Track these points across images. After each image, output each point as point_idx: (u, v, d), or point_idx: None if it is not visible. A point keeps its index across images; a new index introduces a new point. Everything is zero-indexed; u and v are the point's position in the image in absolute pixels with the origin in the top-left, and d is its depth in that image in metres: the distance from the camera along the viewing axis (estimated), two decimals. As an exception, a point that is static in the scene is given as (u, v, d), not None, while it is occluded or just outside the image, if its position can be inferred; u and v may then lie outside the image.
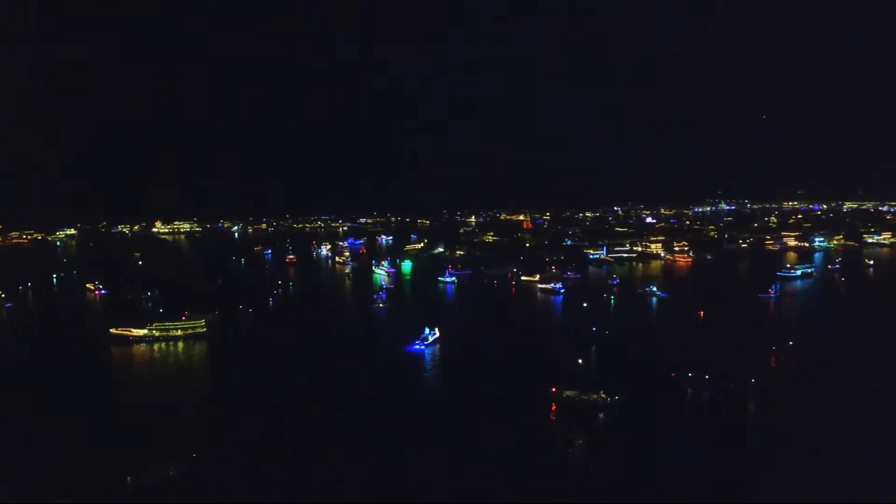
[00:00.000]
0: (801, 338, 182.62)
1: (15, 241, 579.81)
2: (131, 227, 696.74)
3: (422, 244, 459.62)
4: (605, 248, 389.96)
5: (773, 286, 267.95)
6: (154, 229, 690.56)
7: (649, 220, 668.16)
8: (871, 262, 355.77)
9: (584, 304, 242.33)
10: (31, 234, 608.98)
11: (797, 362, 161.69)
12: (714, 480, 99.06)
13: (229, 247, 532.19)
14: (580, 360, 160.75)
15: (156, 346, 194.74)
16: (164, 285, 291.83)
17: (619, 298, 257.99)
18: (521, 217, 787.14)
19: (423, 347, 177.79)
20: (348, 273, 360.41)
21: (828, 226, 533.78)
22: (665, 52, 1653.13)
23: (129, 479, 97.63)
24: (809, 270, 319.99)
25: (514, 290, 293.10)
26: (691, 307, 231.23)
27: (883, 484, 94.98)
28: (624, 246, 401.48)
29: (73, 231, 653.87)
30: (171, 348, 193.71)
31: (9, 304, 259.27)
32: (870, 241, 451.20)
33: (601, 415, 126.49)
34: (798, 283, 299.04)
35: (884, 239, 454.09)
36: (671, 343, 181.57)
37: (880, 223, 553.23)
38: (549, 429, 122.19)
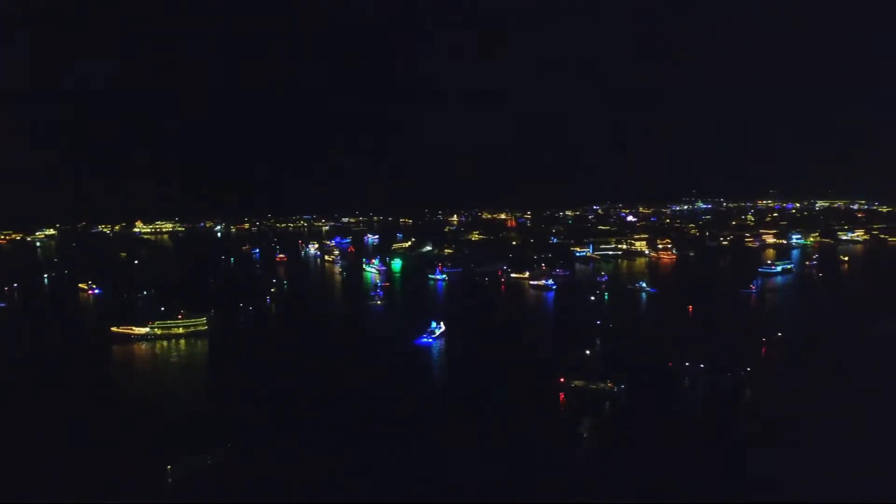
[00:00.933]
0: (790, 330, 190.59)
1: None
2: (112, 228, 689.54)
3: (408, 243, 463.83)
4: (591, 246, 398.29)
5: (755, 282, 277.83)
6: (136, 229, 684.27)
7: (630, 218, 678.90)
8: (846, 259, 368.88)
9: (592, 298, 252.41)
10: (9, 235, 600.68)
11: (787, 352, 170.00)
12: (715, 463, 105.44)
13: (217, 246, 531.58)
14: (587, 352, 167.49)
15: (157, 345, 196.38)
16: (158, 285, 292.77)
17: (611, 295, 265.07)
18: (503, 216, 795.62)
19: (431, 340, 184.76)
20: (340, 271, 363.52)
21: (803, 223, 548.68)
22: (646, 54, 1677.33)
23: (168, 467, 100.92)
24: (789, 266, 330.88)
25: (503, 287, 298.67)
26: (680, 302, 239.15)
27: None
28: (609, 244, 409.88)
29: (52, 231, 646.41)
30: (174, 346, 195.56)
31: (2, 305, 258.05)
32: (844, 238, 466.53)
33: (608, 403, 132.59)
34: (778, 278, 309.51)
35: (857, 236, 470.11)
36: (665, 335, 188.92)
37: (852, 221, 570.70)
38: (558, 416, 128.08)
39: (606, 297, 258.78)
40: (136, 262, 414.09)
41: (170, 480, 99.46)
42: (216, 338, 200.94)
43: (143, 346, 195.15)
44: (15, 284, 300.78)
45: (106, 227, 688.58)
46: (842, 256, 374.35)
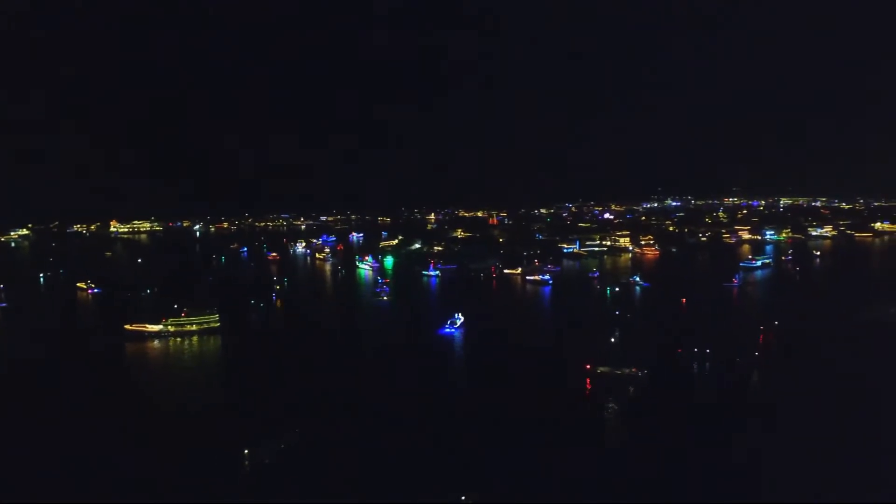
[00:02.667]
0: (784, 319, 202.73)
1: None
2: (88, 227, 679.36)
3: (395, 241, 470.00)
4: (577, 243, 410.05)
5: (737, 275, 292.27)
6: (112, 229, 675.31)
7: (607, 215, 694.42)
8: (818, 253, 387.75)
9: (615, 290, 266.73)
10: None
11: (784, 339, 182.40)
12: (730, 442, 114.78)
13: (202, 245, 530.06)
14: (612, 339, 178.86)
15: (171, 342, 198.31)
16: (159, 283, 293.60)
17: (611, 288, 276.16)
18: (480, 214, 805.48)
19: (454, 330, 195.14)
20: (335, 269, 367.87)
21: (771, 220, 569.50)
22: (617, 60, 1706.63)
23: (245, 451, 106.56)
24: (768, 261, 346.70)
25: (494, 283, 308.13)
26: (673, 295, 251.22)
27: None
28: (594, 240, 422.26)
29: (25, 231, 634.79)
30: (188, 343, 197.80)
31: (3, 305, 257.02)
32: (814, 233, 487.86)
33: (631, 388, 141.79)
34: (759, 272, 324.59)
35: (825, 232, 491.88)
36: (667, 325, 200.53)
37: (818, 218, 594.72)
38: (585, 400, 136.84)
39: (609, 291, 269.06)
40: (136, 261, 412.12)
41: (247, 465, 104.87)
42: (229, 335, 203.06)
43: (156, 343, 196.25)
44: (1, 286, 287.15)
45: (81, 227, 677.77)
46: (814, 251, 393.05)
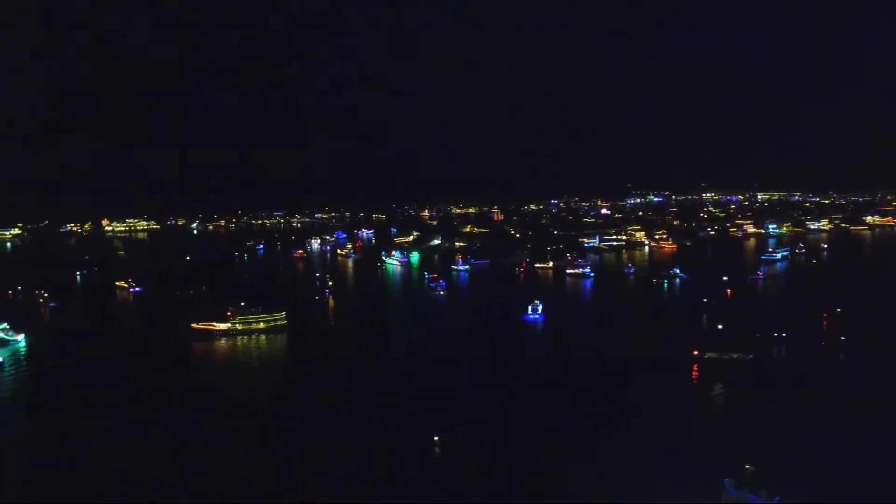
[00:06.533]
0: (844, 306, 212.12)
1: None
2: (81, 226, 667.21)
3: (410, 236, 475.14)
4: (597, 237, 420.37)
5: (761, 268, 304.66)
6: (108, 228, 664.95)
7: (605, 211, 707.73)
8: (825, 246, 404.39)
9: (654, 282, 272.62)
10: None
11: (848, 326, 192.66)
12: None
13: (214, 244, 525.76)
14: (720, 326, 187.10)
15: (239, 340, 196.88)
16: (202, 282, 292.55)
17: (643, 281, 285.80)
18: (473, 210, 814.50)
19: (537, 316, 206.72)
20: (367, 265, 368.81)
21: (767, 214, 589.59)
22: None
23: (435, 437, 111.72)
24: (786, 254, 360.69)
25: (521, 276, 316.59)
26: (715, 286, 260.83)
27: None
28: (611, 234, 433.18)
29: (17, 230, 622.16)
30: (261, 341, 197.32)
31: (53, 304, 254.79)
32: (812, 227, 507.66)
33: (740, 372, 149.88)
34: (779, 264, 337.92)
35: (823, 225, 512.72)
36: (730, 312, 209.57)
37: (808, 212, 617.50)
38: (693, 384, 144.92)
39: (665, 284, 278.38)
40: (186, 258, 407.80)
41: (437, 450, 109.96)
42: (295, 332, 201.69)
43: (224, 341, 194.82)
44: (20, 288, 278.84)
45: (75, 226, 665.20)
46: (822, 244, 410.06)
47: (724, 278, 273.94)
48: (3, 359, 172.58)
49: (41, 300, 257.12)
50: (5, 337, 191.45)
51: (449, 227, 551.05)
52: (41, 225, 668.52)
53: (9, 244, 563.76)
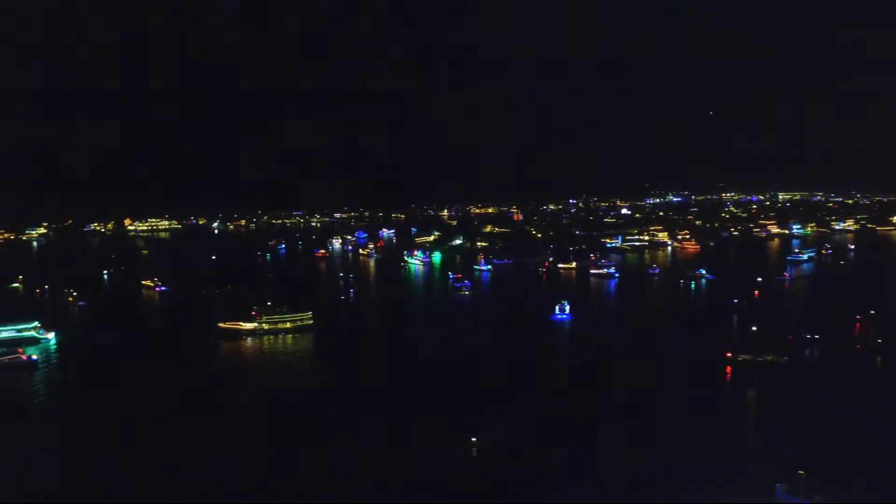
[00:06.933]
0: (877, 308, 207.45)
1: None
2: (104, 225, 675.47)
3: (431, 236, 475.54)
4: (620, 238, 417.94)
5: (788, 269, 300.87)
6: (131, 227, 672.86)
7: (625, 211, 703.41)
8: (852, 247, 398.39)
9: (680, 283, 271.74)
10: (1, 234, 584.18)
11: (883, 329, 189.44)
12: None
13: (236, 243, 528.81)
14: (754, 328, 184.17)
15: (266, 340, 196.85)
16: (229, 281, 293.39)
17: (669, 281, 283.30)
18: (492, 209, 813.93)
19: (565, 316, 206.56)
20: (390, 264, 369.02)
21: (790, 215, 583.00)
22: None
23: (473, 439, 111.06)
24: (812, 255, 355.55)
25: (544, 276, 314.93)
26: (742, 287, 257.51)
27: None
28: (633, 235, 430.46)
29: (42, 230, 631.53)
30: (289, 340, 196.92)
31: (81, 303, 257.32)
32: (837, 227, 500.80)
33: (774, 375, 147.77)
34: (806, 265, 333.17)
35: (848, 226, 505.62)
36: (760, 314, 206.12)
37: (832, 212, 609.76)
38: (727, 386, 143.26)
39: (693, 285, 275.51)
40: (213, 258, 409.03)
41: (474, 451, 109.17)
42: (322, 332, 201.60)
43: (250, 341, 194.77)
44: (46, 286, 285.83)
45: (99, 226, 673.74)
46: (849, 245, 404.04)
47: (759, 279, 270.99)
48: (37, 356, 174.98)
49: (70, 299, 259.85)
50: (36, 335, 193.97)
51: (469, 227, 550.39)
52: (66, 224, 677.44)
53: (35, 243, 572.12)
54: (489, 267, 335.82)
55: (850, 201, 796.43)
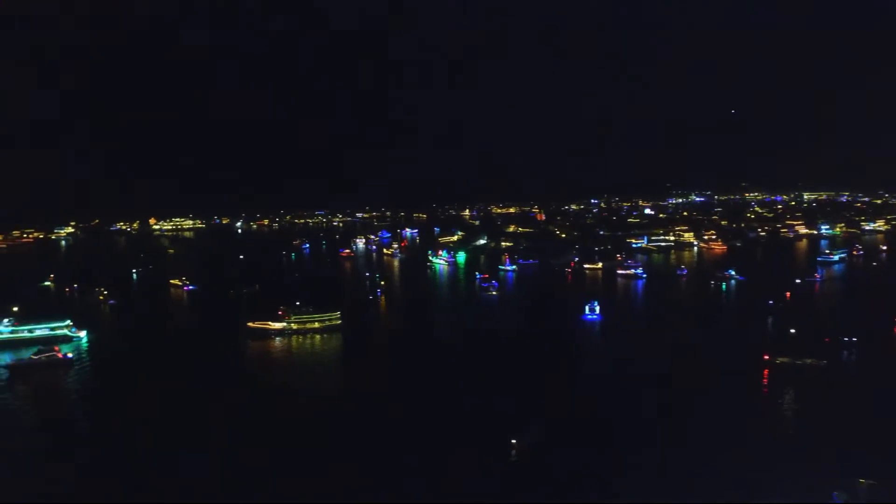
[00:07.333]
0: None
1: (21, 240, 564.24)
2: (130, 225, 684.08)
3: (455, 236, 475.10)
4: (645, 238, 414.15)
5: (818, 270, 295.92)
6: (156, 227, 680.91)
7: (648, 211, 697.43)
8: (885, 248, 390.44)
9: (711, 284, 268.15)
10: (31, 234, 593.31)
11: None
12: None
13: (261, 242, 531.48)
14: (792, 331, 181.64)
15: (294, 339, 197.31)
16: (257, 280, 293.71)
17: (698, 282, 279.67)
18: (514, 209, 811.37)
19: (596, 316, 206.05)
20: (415, 264, 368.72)
21: (818, 215, 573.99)
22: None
23: (512, 441, 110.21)
24: (844, 255, 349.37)
25: (569, 276, 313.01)
26: (773, 288, 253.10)
27: None
28: (659, 235, 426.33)
29: (70, 230, 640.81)
30: (317, 340, 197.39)
31: (112, 302, 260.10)
32: (867, 228, 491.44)
33: (815, 378, 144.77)
34: (837, 266, 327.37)
35: (878, 226, 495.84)
36: (793, 316, 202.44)
37: (860, 213, 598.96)
38: (763, 390, 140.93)
39: (724, 286, 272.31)
40: (240, 258, 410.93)
41: (514, 453, 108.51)
42: (350, 332, 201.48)
43: (279, 340, 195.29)
44: (75, 285, 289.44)
45: (125, 225, 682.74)
46: (881, 246, 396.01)
47: (796, 280, 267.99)
48: (72, 355, 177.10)
49: (101, 297, 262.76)
50: (69, 333, 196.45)
51: (492, 227, 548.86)
52: (93, 224, 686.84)
53: (63, 242, 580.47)
54: (514, 267, 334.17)
55: (879, 201, 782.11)
